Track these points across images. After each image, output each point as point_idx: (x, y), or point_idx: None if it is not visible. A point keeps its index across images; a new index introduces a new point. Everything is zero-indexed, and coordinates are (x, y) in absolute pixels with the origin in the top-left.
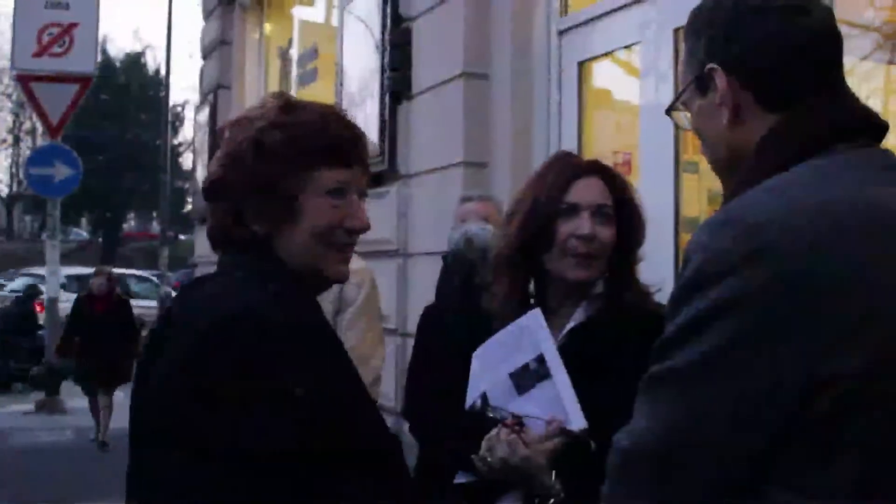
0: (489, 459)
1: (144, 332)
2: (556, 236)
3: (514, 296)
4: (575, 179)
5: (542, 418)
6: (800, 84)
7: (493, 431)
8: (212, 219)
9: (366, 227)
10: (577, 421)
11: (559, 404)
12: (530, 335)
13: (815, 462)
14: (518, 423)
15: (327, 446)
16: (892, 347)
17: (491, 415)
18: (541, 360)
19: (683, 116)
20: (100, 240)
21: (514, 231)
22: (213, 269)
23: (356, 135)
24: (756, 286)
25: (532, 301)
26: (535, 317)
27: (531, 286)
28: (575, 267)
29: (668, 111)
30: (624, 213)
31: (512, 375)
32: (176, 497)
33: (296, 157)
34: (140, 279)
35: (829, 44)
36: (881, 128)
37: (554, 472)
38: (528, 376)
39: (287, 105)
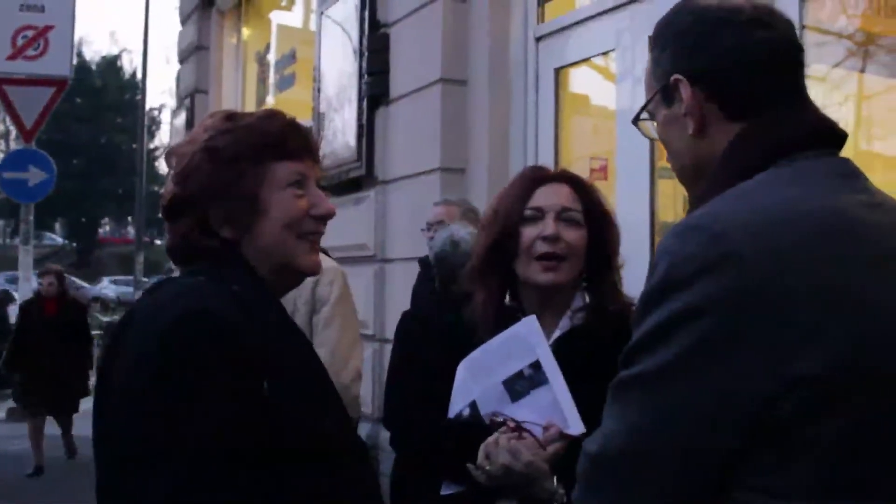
0: (488, 467)
1: None
2: (521, 241)
3: (492, 305)
4: (539, 186)
5: (539, 424)
6: (763, 95)
7: (491, 438)
8: (172, 235)
9: (332, 213)
10: (576, 425)
11: (556, 410)
12: (524, 342)
13: (779, 463)
14: (518, 429)
15: (286, 445)
16: (854, 351)
17: (499, 419)
18: (536, 366)
19: (650, 126)
20: (74, 244)
21: (483, 241)
22: None
23: (301, 129)
24: (721, 291)
25: (519, 312)
26: (529, 323)
27: (508, 296)
28: (542, 270)
29: (635, 121)
30: (594, 219)
31: (505, 382)
32: (137, 497)
33: (247, 155)
34: None
35: (790, 56)
36: (841, 137)
37: (556, 477)
38: (523, 383)
39: (229, 115)
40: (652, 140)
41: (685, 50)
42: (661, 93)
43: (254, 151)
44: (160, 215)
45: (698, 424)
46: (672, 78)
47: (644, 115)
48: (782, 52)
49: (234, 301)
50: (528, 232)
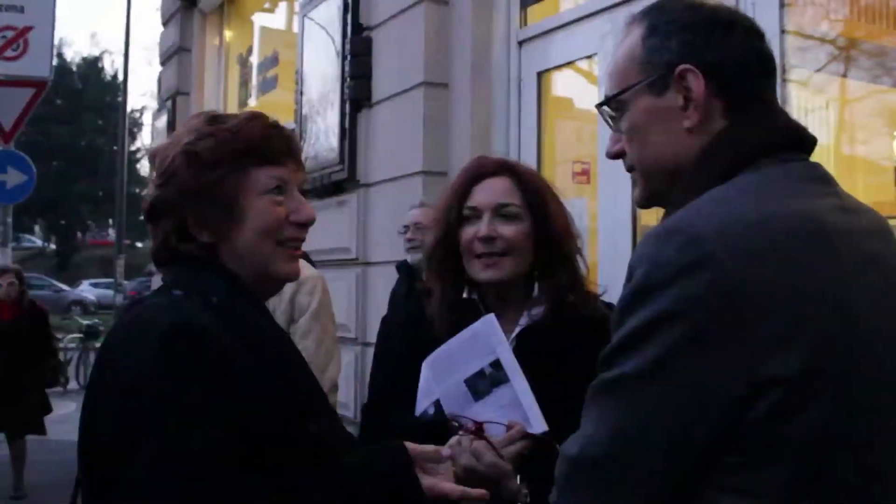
0: (452, 468)
1: None
2: (462, 241)
3: (445, 301)
4: (478, 182)
5: (502, 423)
6: (754, 98)
7: (454, 440)
8: (153, 238)
9: (312, 219)
10: (538, 424)
11: (518, 408)
12: (484, 340)
13: (753, 463)
14: (479, 430)
15: (282, 448)
16: (825, 351)
17: (455, 423)
18: (496, 364)
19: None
20: (53, 247)
21: (432, 238)
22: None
23: (283, 133)
24: (698, 294)
25: (481, 306)
26: (488, 322)
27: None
28: (482, 269)
29: (600, 105)
30: (536, 210)
31: (467, 381)
32: (141, 495)
33: (228, 160)
34: None
35: (772, 66)
36: (811, 142)
37: (519, 476)
38: (484, 382)
39: (212, 117)
40: (612, 128)
41: (698, 42)
42: (655, 80)
43: (234, 157)
44: (142, 217)
45: (677, 425)
46: (680, 67)
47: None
48: (770, 64)
49: (214, 313)
50: (467, 232)
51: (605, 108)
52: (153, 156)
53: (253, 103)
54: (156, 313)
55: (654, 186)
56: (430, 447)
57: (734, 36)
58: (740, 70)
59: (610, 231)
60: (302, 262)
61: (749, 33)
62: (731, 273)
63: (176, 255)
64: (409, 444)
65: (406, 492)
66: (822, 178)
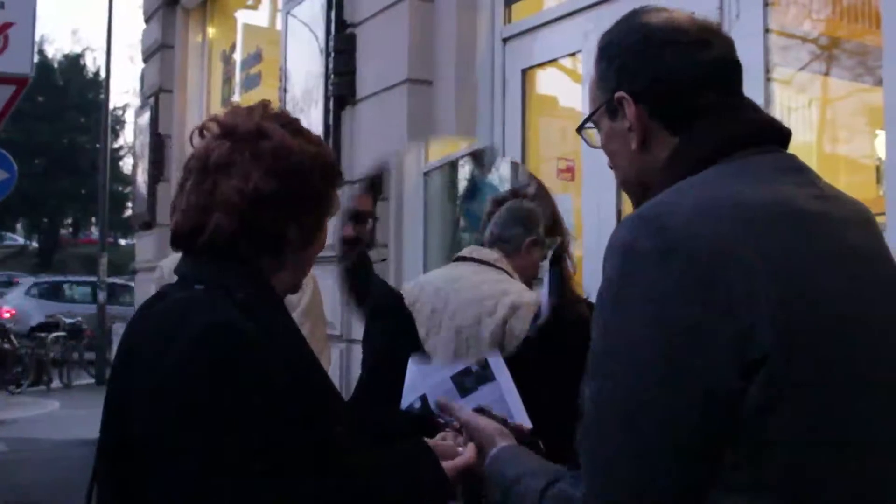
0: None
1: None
2: None
3: None
4: None
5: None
6: (703, 110)
7: (438, 436)
8: (201, 215)
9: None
10: (522, 422)
11: (503, 406)
12: None
13: (748, 459)
14: (460, 430)
15: (303, 451)
16: (805, 336)
17: (441, 420)
18: (483, 364)
19: (595, 133)
20: (35, 245)
21: None
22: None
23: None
24: (672, 282)
25: None
26: None
27: None
28: None
29: (579, 129)
30: None
31: (454, 378)
32: (163, 489)
33: (338, 176)
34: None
35: (730, 72)
36: (785, 134)
37: None
38: (470, 379)
39: (293, 119)
40: (596, 148)
41: (631, 68)
42: (606, 106)
43: (338, 175)
44: (253, 205)
45: (673, 424)
46: (616, 95)
47: (588, 123)
48: (722, 71)
49: (242, 310)
50: None
51: (591, 129)
52: (250, 136)
53: (236, 101)
54: (186, 312)
55: (636, 199)
56: (448, 444)
57: (670, 56)
58: (678, 89)
59: (594, 227)
60: None
61: (692, 48)
62: (706, 262)
63: (223, 243)
64: (429, 441)
65: (436, 486)
66: (797, 168)
